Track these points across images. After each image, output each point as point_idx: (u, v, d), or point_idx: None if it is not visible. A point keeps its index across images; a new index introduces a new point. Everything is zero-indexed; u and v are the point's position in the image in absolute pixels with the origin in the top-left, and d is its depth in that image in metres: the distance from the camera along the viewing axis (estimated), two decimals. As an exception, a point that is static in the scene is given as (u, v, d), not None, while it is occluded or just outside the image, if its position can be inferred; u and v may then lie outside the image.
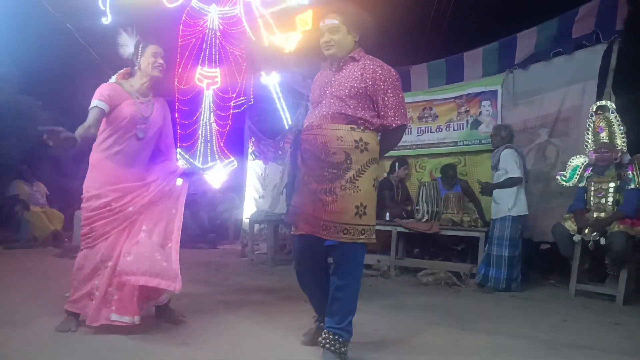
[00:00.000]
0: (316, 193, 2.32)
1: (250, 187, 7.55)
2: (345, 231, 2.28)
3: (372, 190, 2.36)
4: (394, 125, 2.37)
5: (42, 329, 2.71)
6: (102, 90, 2.75)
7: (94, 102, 2.71)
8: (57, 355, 2.34)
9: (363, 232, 2.31)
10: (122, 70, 2.97)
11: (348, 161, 2.29)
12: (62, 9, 6.58)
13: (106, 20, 6.65)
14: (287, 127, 8.80)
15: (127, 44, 2.89)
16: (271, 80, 8.33)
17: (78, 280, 2.74)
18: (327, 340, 2.35)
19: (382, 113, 2.37)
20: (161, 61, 2.88)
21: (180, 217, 2.92)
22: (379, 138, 2.44)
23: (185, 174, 3.06)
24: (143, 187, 2.83)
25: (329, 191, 2.29)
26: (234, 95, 8.07)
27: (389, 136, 2.46)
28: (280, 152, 7.39)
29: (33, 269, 4.83)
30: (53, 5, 6.43)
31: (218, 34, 7.95)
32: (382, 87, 2.34)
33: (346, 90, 2.35)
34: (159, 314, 2.99)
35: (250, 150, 7.52)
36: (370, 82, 2.34)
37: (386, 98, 2.34)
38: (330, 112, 2.36)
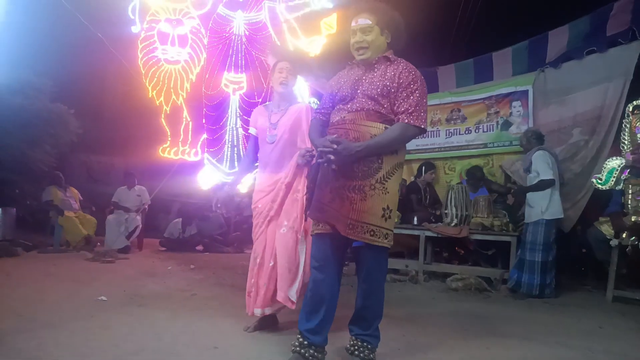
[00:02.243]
0: (344, 189, 2.22)
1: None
2: (372, 233, 2.19)
3: (397, 194, 2.30)
4: (405, 120, 2.23)
5: (75, 332, 2.77)
6: (252, 116, 3.17)
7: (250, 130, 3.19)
8: (90, 358, 2.38)
9: (387, 236, 2.24)
10: None
11: (380, 161, 2.22)
12: (92, 19, 6.77)
13: (135, 28, 6.80)
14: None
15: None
16: (296, 85, 8.36)
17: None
18: (356, 347, 2.32)
19: (398, 104, 2.26)
20: (285, 75, 3.00)
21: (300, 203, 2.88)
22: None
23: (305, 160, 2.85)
24: (275, 187, 2.95)
25: (357, 189, 2.20)
26: (260, 100, 8.12)
27: (392, 129, 2.24)
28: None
29: (66, 273, 4.95)
30: (84, 16, 6.61)
31: (244, 39, 8.03)
32: (412, 87, 2.27)
33: (379, 90, 2.28)
34: (265, 321, 3.01)
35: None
36: (403, 82, 2.27)
37: (412, 97, 2.25)
38: (365, 109, 2.29)
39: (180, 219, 7.94)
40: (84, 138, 8.59)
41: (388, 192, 2.23)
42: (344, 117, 2.33)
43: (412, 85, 2.27)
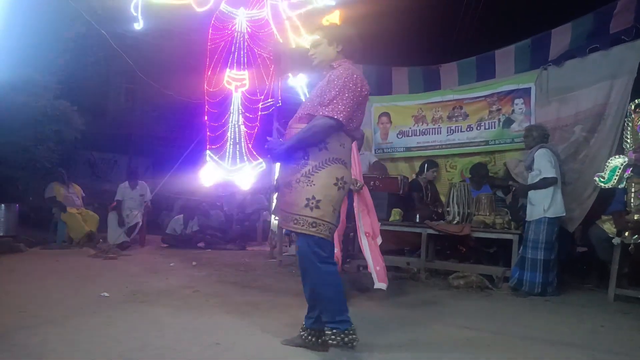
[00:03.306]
0: (281, 185, 2.57)
1: (278, 188, 7.57)
2: (295, 221, 2.41)
3: (331, 187, 2.41)
4: (321, 112, 2.40)
5: (78, 328, 2.79)
6: None
7: None
8: (93, 354, 2.40)
9: (314, 224, 2.38)
10: None
11: (306, 157, 2.43)
12: (96, 16, 6.78)
13: (138, 25, 6.79)
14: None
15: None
16: (298, 82, 8.35)
17: None
18: (329, 335, 2.39)
19: (320, 100, 2.45)
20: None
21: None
22: (345, 140, 2.49)
23: None
24: None
25: (288, 183, 2.48)
26: (262, 97, 8.13)
27: (309, 123, 2.44)
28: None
29: (69, 269, 4.98)
30: (88, 13, 6.62)
31: (246, 36, 8.02)
32: (335, 82, 2.43)
33: (318, 92, 2.50)
34: None
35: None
36: (331, 81, 2.46)
37: (332, 91, 2.41)
38: (299, 113, 2.56)
39: (182, 215, 7.96)
40: (87, 135, 8.63)
41: (314, 184, 2.40)
42: (289, 122, 2.63)
43: (336, 81, 2.43)
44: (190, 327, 2.93)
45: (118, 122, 12.24)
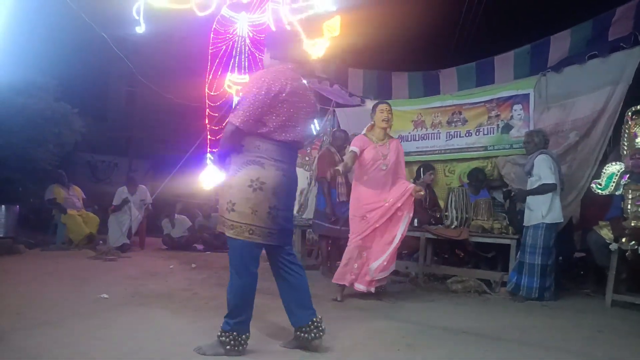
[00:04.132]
0: None
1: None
2: (223, 223, 2.53)
3: (245, 189, 2.46)
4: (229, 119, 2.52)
5: (76, 330, 2.80)
6: (355, 141, 4.16)
7: (352, 148, 4.10)
8: (89, 356, 2.41)
9: (232, 227, 2.47)
10: (368, 126, 4.29)
11: (228, 161, 2.58)
12: (97, 19, 6.80)
13: (140, 29, 6.82)
14: (314, 133, 8.84)
15: (369, 106, 4.33)
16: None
17: (345, 262, 4.09)
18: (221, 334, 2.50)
19: None
20: (386, 116, 4.13)
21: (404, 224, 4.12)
22: (261, 142, 2.51)
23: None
24: (384, 205, 4.08)
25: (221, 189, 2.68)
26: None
27: None
28: (307, 158, 7.42)
29: (68, 271, 4.98)
30: (89, 16, 6.65)
31: (247, 41, 8.06)
32: (244, 88, 2.67)
33: None
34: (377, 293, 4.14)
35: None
36: None
37: (241, 97, 2.57)
38: None
39: (185, 218, 7.99)
40: (88, 138, 8.65)
41: (232, 187, 2.50)
42: None
43: (245, 87, 2.62)
44: (188, 330, 2.93)
45: (119, 125, 12.26)
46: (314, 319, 2.59)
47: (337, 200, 5.28)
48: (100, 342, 2.60)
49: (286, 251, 2.65)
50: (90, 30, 6.65)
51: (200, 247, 7.81)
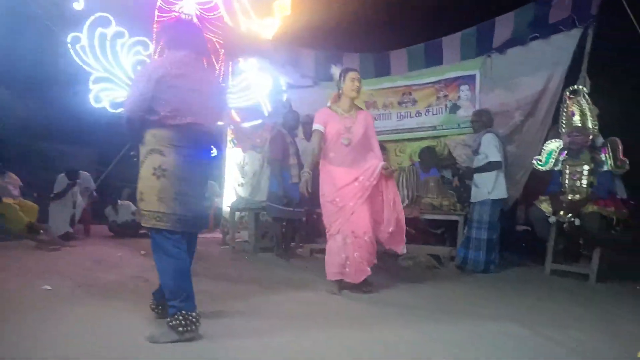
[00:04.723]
0: None
1: (230, 175, 7.49)
2: (138, 213, 2.62)
3: (150, 177, 2.52)
4: None
5: (19, 325, 2.65)
6: (318, 117, 3.81)
7: (315, 127, 3.76)
8: (32, 352, 2.29)
9: (143, 215, 2.56)
10: (332, 95, 3.97)
11: (138, 155, 2.62)
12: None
13: (78, 5, 6.44)
14: (266, 115, 8.74)
15: (335, 73, 3.90)
16: (250, 66, 8.21)
17: (328, 255, 3.73)
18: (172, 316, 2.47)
19: None
20: (358, 85, 3.78)
21: (391, 196, 3.75)
22: (157, 130, 2.54)
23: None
24: (355, 185, 3.66)
25: None
26: (212, 82, 7.96)
27: None
28: (258, 141, 7.33)
29: (7, 262, 4.70)
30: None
31: (195, 20, 7.79)
32: None
33: None
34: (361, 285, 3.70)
35: (229, 138, 7.44)
36: None
37: None
38: None
39: (130, 203, 7.70)
40: (24, 122, 8.14)
41: (141, 179, 2.56)
42: None
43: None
44: (140, 319, 2.84)
45: (56, 108, 11.61)
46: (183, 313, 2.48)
47: (290, 181, 5.27)
48: (47, 337, 2.48)
49: (191, 238, 2.75)
50: (27, 8, 6.20)
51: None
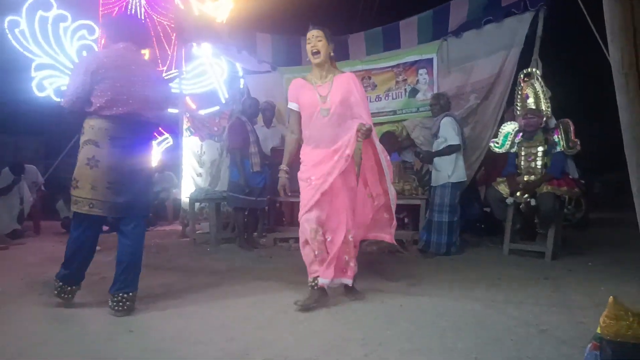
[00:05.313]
0: None
1: (187, 165, 7.30)
2: (72, 201, 2.80)
3: (84, 167, 2.71)
4: None
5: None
6: (290, 91, 3.15)
7: (289, 105, 3.15)
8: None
9: (75, 202, 2.75)
10: None
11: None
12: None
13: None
14: (223, 102, 8.53)
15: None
16: (203, 52, 7.95)
17: (302, 246, 3.05)
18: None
19: None
20: (314, 44, 3.00)
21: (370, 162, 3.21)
22: (95, 122, 2.72)
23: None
24: (331, 160, 2.96)
25: None
26: (165, 68, 7.66)
27: None
28: (216, 129, 7.15)
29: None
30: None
31: (143, 2, 7.45)
32: None
33: None
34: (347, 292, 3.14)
35: (185, 127, 7.22)
36: None
37: None
38: None
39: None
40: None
41: (76, 167, 2.76)
42: None
43: None
44: (98, 317, 2.74)
45: (5, 100, 10.91)
46: (123, 294, 2.75)
47: (251, 170, 5.17)
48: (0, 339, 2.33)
49: (123, 223, 2.84)
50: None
51: (105, 228, 7.29)
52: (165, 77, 7.60)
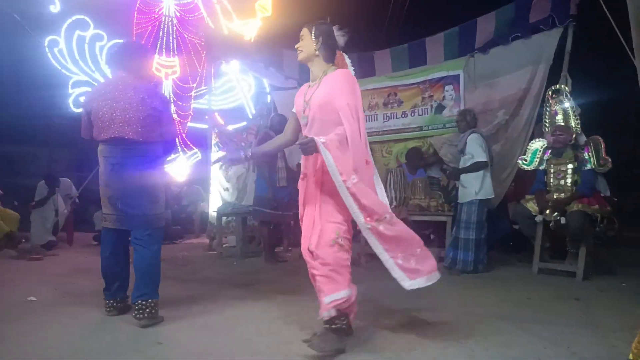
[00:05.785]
0: None
1: (215, 179, 7.43)
2: None
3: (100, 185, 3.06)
4: None
5: (4, 336, 2.59)
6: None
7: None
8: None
9: (102, 218, 3.12)
10: None
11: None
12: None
13: (54, 8, 6.30)
14: (250, 117, 8.68)
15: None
16: (232, 69, 8.14)
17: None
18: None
19: None
20: (299, 43, 2.63)
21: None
22: (99, 145, 3.09)
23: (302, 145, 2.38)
24: (307, 172, 2.60)
25: None
26: (195, 85, 7.86)
27: None
28: (243, 144, 7.27)
29: (-12, 273, 4.59)
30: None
31: (175, 21, 7.70)
32: None
33: None
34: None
35: (214, 142, 7.37)
36: None
37: None
38: None
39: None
40: (7, 129, 7.93)
41: None
42: None
43: None
44: (126, 328, 2.80)
45: (35, 113, 11.37)
46: (142, 302, 2.86)
47: (277, 185, 5.23)
48: (32, 348, 2.42)
49: (134, 234, 3.05)
50: (3, 12, 6.04)
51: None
52: (195, 94, 7.80)
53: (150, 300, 2.88)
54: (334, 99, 2.44)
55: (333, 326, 2.42)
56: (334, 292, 2.41)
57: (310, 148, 2.35)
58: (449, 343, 2.55)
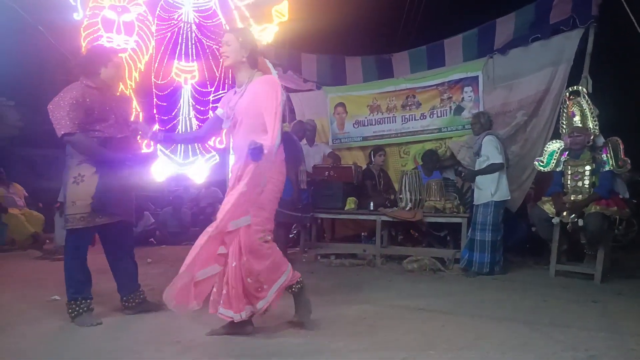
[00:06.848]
0: None
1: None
2: None
3: (70, 184, 2.99)
4: None
5: (27, 335, 2.67)
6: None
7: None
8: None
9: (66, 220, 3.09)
10: None
11: None
12: (31, 6, 6.38)
13: (77, 15, 6.47)
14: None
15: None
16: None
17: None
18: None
19: None
20: (224, 49, 2.69)
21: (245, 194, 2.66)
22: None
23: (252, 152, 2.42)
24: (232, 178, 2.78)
25: None
26: (213, 89, 7.97)
27: None
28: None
29: (13, 273, 4.73)
30: (21, 2, 6.23)
31: (194, 27, 7.82)
32: None
33: None
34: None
35: (232, 145, 7.44)
36: None
37: None
38: None
39: (147, 213, 7.74)
40: (25, 131, 8.15)
41: None
42: None
43: None
44: (147, 327, 2.87)
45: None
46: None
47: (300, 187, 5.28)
48: (54, 346, 2.50)
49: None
50: (24, 17, 6.24)
51: (153, 241, 7.61)
52: (214, 98, 7.91)
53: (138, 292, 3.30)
54: (260, 104, 2.59)
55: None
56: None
57: (260, 154, 2.43)
58: (464, 345, 2.56)
